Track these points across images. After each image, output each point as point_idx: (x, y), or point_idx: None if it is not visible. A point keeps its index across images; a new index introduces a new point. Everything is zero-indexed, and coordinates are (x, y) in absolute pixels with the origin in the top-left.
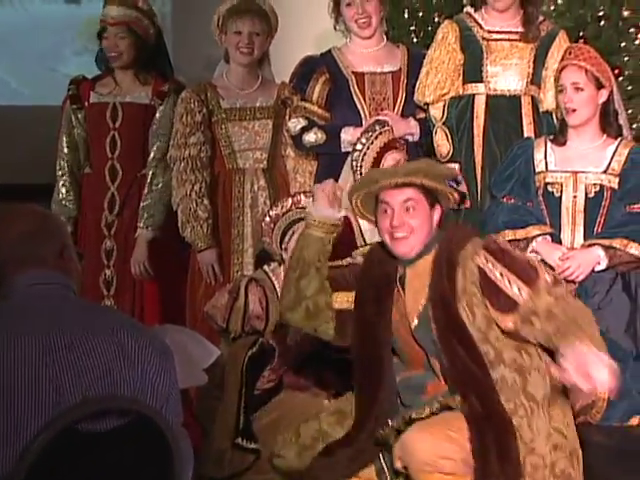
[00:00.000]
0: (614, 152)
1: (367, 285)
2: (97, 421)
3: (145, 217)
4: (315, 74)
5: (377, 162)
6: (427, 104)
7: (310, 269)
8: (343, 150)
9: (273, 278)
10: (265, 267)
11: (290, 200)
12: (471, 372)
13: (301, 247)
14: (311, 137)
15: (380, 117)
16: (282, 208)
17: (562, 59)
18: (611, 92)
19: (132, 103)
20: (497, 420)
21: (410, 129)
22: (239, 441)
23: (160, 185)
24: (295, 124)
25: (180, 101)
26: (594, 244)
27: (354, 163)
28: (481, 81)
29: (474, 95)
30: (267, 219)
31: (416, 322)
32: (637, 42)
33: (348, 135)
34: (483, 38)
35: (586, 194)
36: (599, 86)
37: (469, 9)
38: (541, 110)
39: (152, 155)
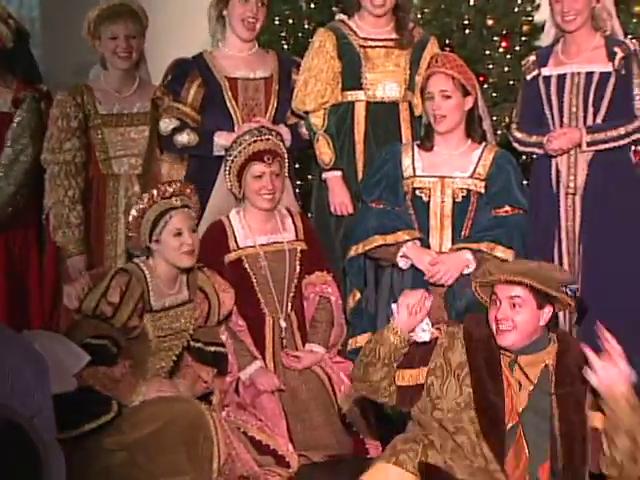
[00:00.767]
0: (480, 157)
1: (478, 361)
2: None
3: None
4: (189, 77)
5: (242, 168)
6: (307, 112)
7: (378, 363)
8: (215, 154)
9: (144, 268)
10: (135, 259)
11: (155, 192)
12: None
13: (376, 340)
14: (183, 138)
15: (256, 124)
16: (148, 201)
17: (429, 67)
18: (476, 99)
19: None
20: None
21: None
22: None
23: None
24: (167, 124)
25: (56, 104)
26: (462, 248)
27: (225, 164)
28: (360, 88)
29: (354, 102)
30: (134, 213)
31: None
32: (501, 50)
33: (221, 139)
34: (360, 46)
35: (453, 199)
36: (465, 93)
37: (341, 16)
38: (416, 114)
39: None
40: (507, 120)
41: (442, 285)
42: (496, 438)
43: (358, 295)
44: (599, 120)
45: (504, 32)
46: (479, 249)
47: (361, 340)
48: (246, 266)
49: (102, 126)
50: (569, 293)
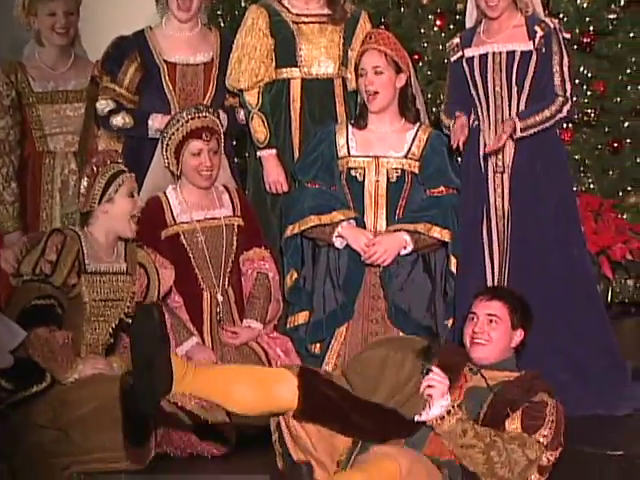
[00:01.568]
0: (414, 137)
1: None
2: None
3: None
4: (127, 59)
5: (180, 146)
6: (241, 90)
7: None
8: (150, 136)
9: (79, 232)
10: (70, 226)
11: (102, 156)
12: None
13: None
14: (119, 121)
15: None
16: (103, 161)
17: (362, 44)
18: (409, 77)
19: None
20: None
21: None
22: None
23: None
24: (103, 106)
25: None
26: (399, 230)
27: (162, 142)
28: (295, 65)
29: (289, 80)
30: (85, 178)
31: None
32: (436, 29)
33: (156, 123)
34: (293, 22)
35: (388, 178)
36: (398, 70)
37: None
38: (349, 89)
39: None
40: (442, 98)
41: (378, 265)
42: None
43: (295, 275)
44: (523, 99)
45: (439, 10)
46: (416, 230)
47: (299, 318)
48: (183, 241)
49: (37, 103)
50: None
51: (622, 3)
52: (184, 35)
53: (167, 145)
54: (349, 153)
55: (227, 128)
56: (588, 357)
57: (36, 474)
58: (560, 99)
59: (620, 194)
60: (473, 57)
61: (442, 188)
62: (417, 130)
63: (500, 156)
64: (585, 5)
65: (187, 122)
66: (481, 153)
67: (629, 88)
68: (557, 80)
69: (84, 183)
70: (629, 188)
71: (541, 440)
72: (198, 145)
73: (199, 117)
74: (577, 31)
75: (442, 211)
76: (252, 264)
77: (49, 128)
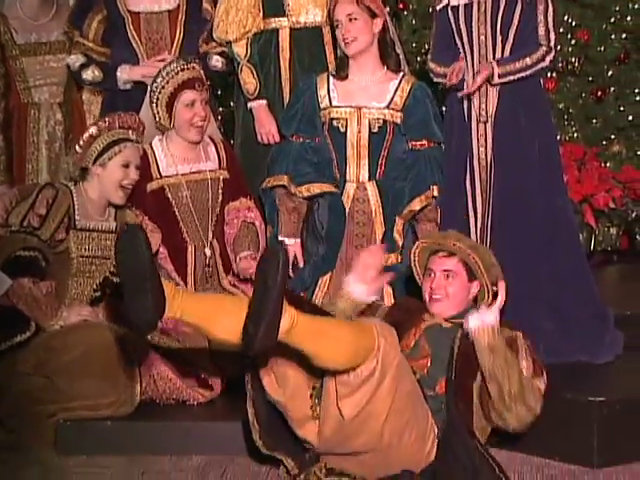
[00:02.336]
0: (397, 87)
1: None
2: None
3: None
4: (92, 11)
5: (172, 99)
6: (229, 42)
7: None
8: (122, 88)
9: (72, 188)
10: (64, 181)
11: (117, 118)
12: None
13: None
14: (88, 75)
15: (160, 62)
16: (108, 124)
17: None
18: (385, 22)
19: None
20: None
21: None
22: None
23: None
24: (74, 61)
25: None
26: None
27: (151, 95)
28: (283, 15)
29: (277, 29)
30: (91, 131)
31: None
32: None
33: (124, 74)
34: None
35: (370, 129)
36: (373, 15)
37: None
38: None
39: None
40: (426, 47)
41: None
42: None
43: (271, 229)
44: (508, 48)
45: None
46: (411, 210)
47: None
48: (168, 195)
49: (20, 56)
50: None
51: None
52: None
53: (157, 99)
54: (331, 104)
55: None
56: (570, 305)
57: (22, 422)
58: (543, 48)
59: (604, 143)
60: (458, 6)
61: (424, 141)
62: (400, 80)
63: (484, 105)
64: None
65: (177, 74)
66: (465, 103)
67: (613, 37)
68: (541, 30)
69: (84, 137)
70: (612, 137)
71: (524, 373)
72: (191, 96)
73: (188, 68)
74: None
75: (427, 167)
76: (237, 213)
77: (33, 80)
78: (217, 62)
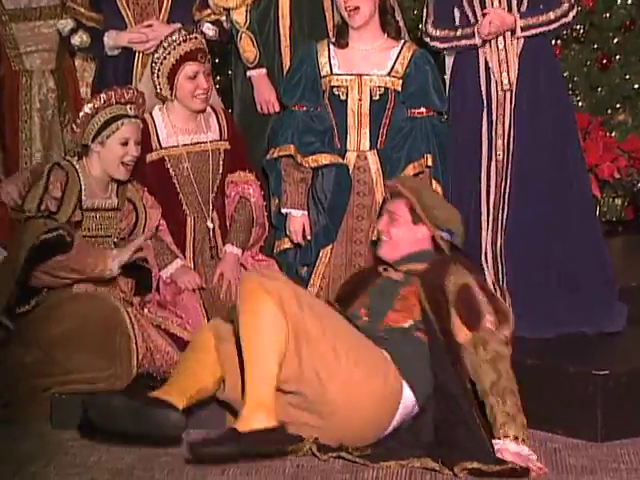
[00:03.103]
0: (398, 55)
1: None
2: None
3: None
4: None
5: (175, 70)
6: (228, 10)
7: None
8: (109, 54)
9: (77, 166)
10: (68, 157)
11: (113, 93)
12: None
13: None
14: (76, 40)
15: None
16: (105, 101)
17: None
18: None
19: None
20: None
21: None
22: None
23: None
24: (63, 25)
25: None
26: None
27: (153, 66)
28: None
29: None
30: (86, 109)
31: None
32: None
33: (110, 40)
34: None
35: (371, 97)
36: None
37: None
38: None
39: None
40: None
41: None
42: None
43: (277, 201)
44: (525, 4)
45: None
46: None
47: (285, 243)
48: (168, 166)
49: (10, 22)
50: (443, 235)
51: None
52: None
53: (159, 70)
54: (331, 71)
55: None
56: (581, 272)
57: (18, 395)
58: (566, 4)
59: (609, 112)
60: None
61: (423, 109)
62: (401, 47)
63: (505, 73)
64: None
65: (179, 45)
66: (483, 73)
67: (618, 3)
68: None
69: (80, 116)
70: (618, 105)
71: (490, 326)
72: (194, 68)
73: (190, 39)
74: None
75: (424, 136)
76: (236, 187)
77: (24, 46)
78: (208, 30)
